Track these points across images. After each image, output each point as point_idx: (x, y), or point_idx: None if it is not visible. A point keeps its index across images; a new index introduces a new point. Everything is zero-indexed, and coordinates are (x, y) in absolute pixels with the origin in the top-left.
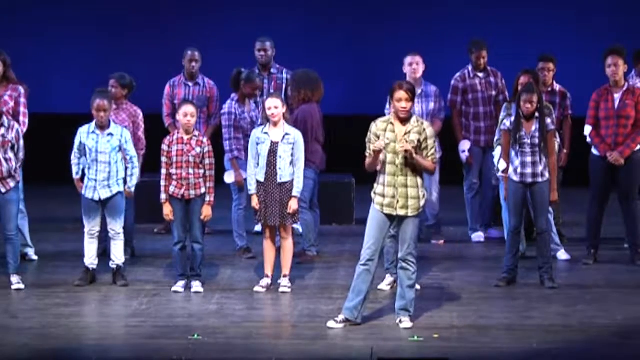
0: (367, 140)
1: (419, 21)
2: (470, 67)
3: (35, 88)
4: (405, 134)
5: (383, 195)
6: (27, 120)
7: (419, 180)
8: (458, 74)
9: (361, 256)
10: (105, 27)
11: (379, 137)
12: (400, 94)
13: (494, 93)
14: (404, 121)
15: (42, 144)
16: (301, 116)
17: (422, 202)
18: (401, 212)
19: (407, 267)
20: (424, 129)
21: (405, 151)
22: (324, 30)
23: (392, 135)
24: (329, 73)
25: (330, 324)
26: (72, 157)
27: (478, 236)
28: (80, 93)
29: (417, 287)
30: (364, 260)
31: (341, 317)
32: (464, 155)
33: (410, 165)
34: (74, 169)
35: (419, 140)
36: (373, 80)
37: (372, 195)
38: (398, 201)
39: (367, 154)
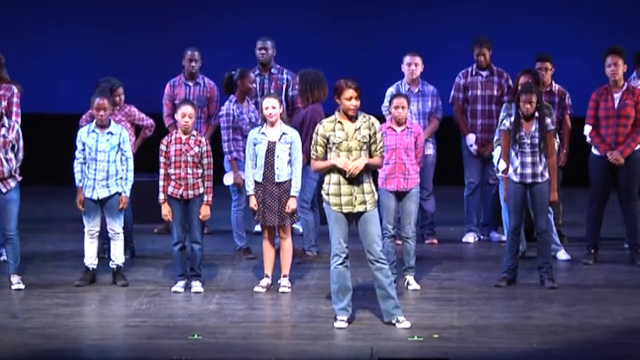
0: (313, 143)
1: (419, 21)
2: (474, 65)
3: (36, 88)
4: (356, 130)
5: (339, 195)
6: (19, 120)
7: (370, 173)
8: (462, 71)
9: (334, 257)
10: (106, 27)
11: (327, 139)
12: (350, 92)
13: (495, 92)
14: (351, 118)
15: (42, 144)
16: (310, 116)
17: (376, 196)
18: (360, 208)
19: (381, 267)
20: (372, 123)
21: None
22: (324, 30)
23: (343, 133)
24: (329, 73)
25: (339, 324)
26: (75, 163)
27: (466, 237)
28: (80, 93)
29: (417, 287)
30: (340, 260)
31: (342, 318)
32: (473, 149)
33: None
34: (77, 177)
35: (369, 135)
36: (373, 80)
37: (325, 196)
38: (356, 198)
39: (314, 157)
